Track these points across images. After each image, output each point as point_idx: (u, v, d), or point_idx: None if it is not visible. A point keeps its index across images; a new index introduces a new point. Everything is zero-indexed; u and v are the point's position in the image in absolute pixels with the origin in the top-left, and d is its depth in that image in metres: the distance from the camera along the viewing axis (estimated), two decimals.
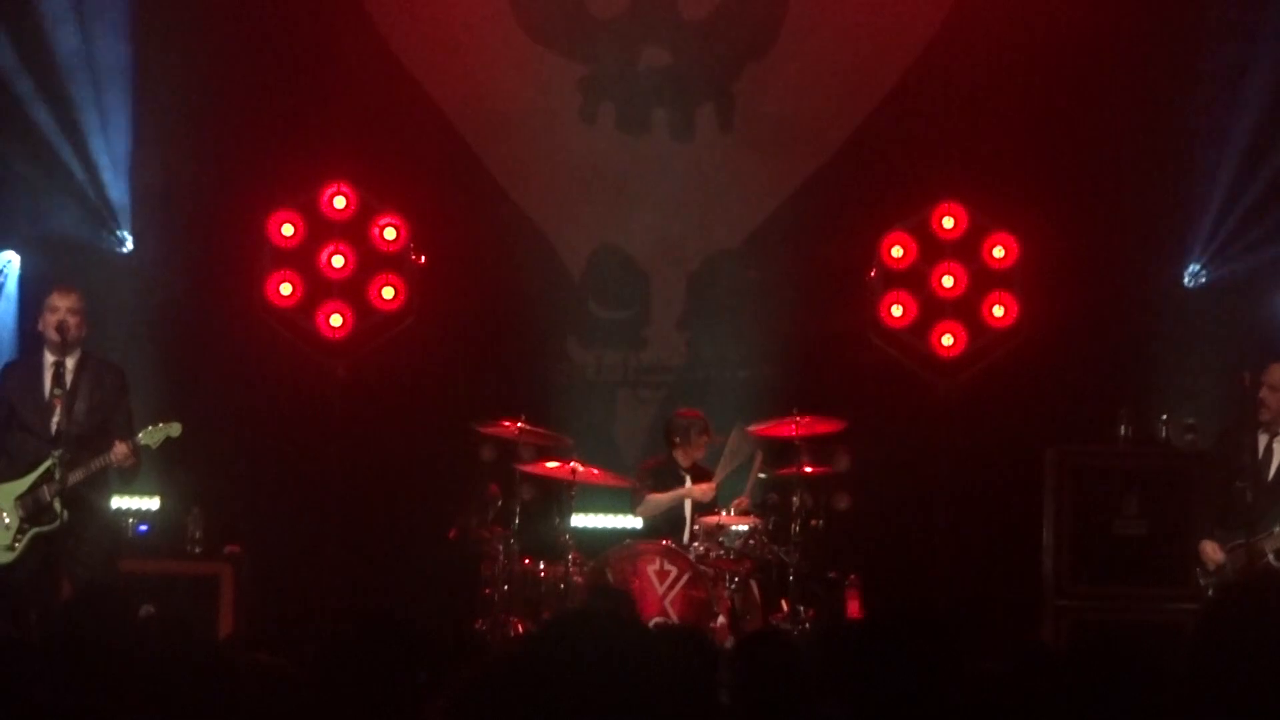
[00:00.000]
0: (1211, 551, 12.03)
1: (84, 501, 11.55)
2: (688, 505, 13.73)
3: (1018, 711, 5.08)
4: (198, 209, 14.81)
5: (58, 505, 11.42)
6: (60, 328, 11.59)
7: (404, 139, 15.08)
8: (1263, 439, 12.11)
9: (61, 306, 11.68)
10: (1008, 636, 12.95)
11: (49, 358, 11.69)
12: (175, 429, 11.54)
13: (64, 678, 5.63)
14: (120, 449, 11.41)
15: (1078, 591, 13.52)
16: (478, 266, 15.21)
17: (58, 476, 11.39)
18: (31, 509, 11.45)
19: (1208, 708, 4.21)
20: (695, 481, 13.80)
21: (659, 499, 13.73)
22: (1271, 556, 11.71)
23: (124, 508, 13.80)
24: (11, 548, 11.50)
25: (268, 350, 14.89)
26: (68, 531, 11.52)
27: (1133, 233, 14.63)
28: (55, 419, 11.51)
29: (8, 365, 12.29)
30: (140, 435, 11.47)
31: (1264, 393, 12.12)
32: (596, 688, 4.28)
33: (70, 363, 11.65)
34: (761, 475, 13.64)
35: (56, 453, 11.40)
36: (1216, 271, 14.55)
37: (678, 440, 13.92)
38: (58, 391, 11.51)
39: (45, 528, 11.46)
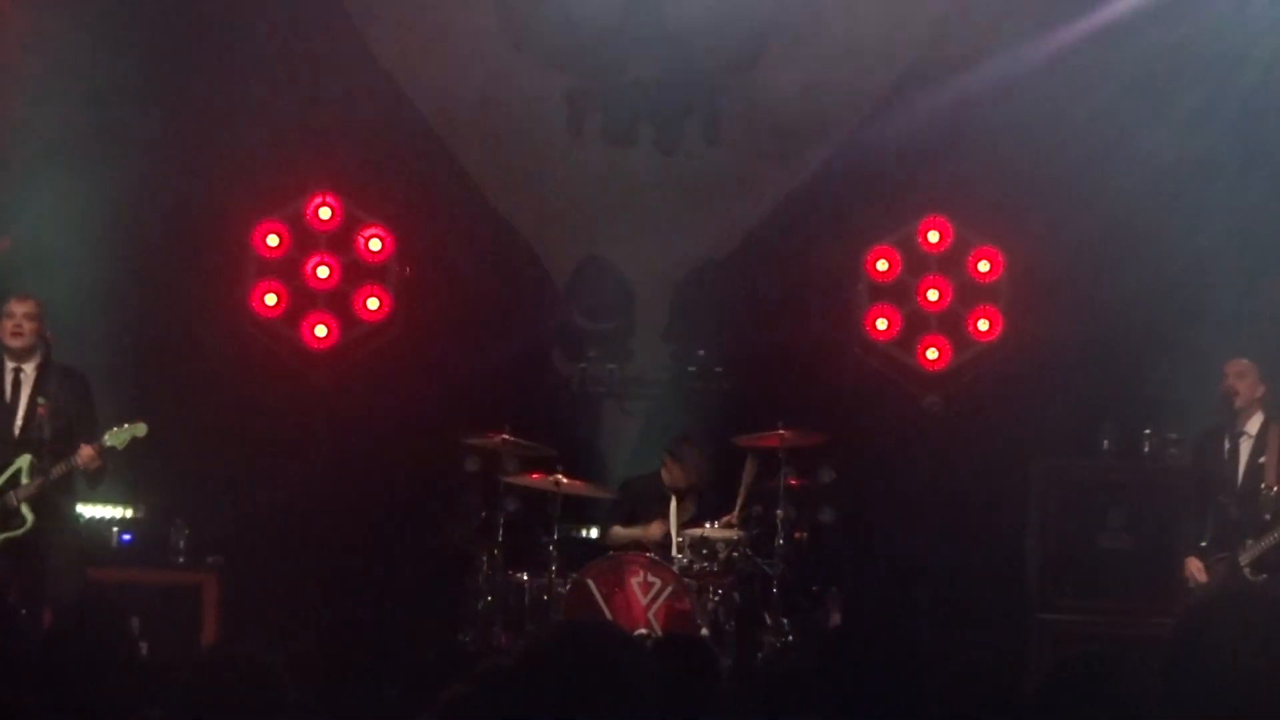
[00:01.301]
0: (1195, 571, 12.02)
1: (51, 506, 11.58)
2: (672, 517, 13.76)
3: None
4: (183, 219, 14.79)
5: (25, 510, 11.46)
6: (15, 333, 11.70)
7: (390, 150, 15.08)
8: (1227, 444, 12.10)
9: (17, 312, 11.81)
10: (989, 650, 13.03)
11: (8, 364, 11.78)
12: (140, 429, 11.57)
13: (54, 686, 5.63)
14: (85, 451, 11.45)
15: (1062, 605, 13.56)
16: (463, 277, 15.21)
17: (24, 481, 11.43)
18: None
19: None
20: (680, 501, 13.82)
21: (622, 533, 13.84)
22: (1248, 570, 11.70)
23: (105, 516, 13.79)
24: None
25: (252, 360, 14.88)
26: (37, 537, 11.54)
27: (1117, 247, 14.63)
28: (17, 424, 11.58)
29: None
30: (106, 437, 11.50)
31: (1231, 382, 12.11)
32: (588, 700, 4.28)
33: (29, 368, 11.77)
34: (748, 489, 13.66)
35: (22, 458, 11.45)
36: (1199, 283, 14.53)
37: (668, 460, 13.95)
38: (21, 396, 11.60)
39: (12, 533, 11.51)
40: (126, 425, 11.55)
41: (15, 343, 11.76)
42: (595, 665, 4.37)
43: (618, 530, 13.89)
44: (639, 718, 4.36)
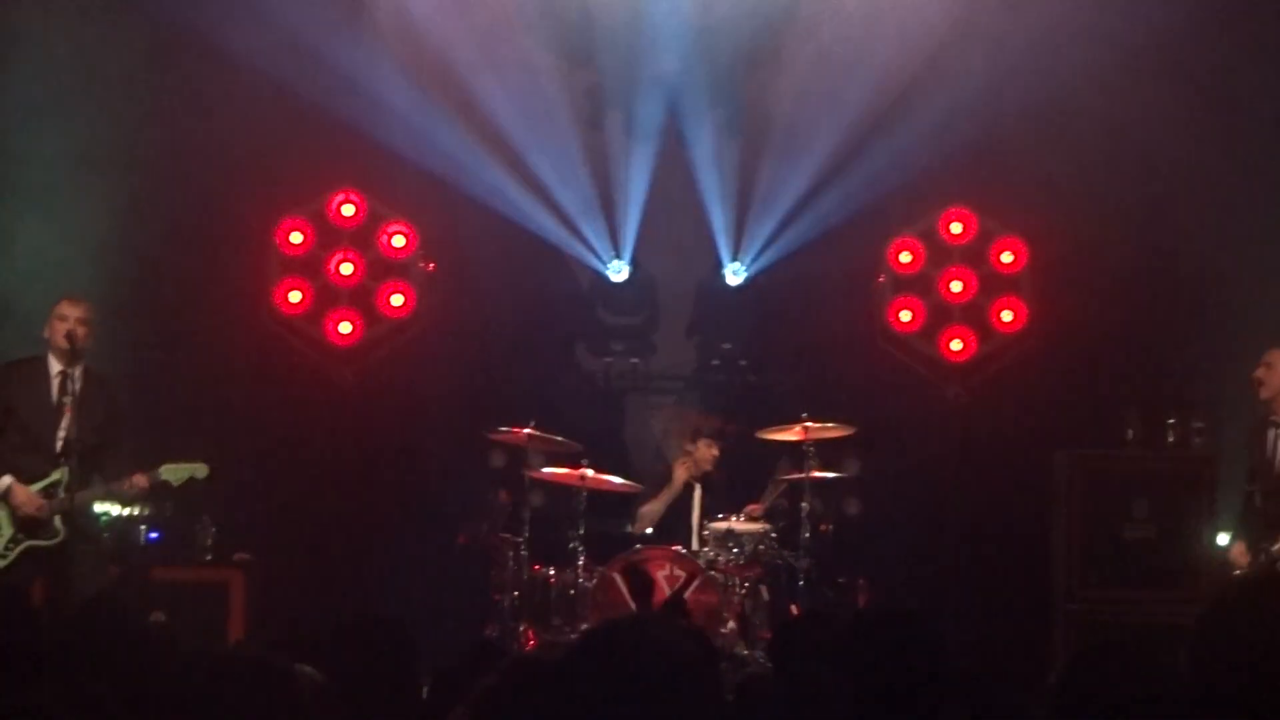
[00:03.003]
0: (1238, 556, 11.99)
1: (79, 518, 11.49)
2: (695, 511, 13.78)
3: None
4: (206, 216, 14.82)
5: (57, 522, 11.37)
6: (69, 336, 11.58)
7: (412, 146, 15.08)
8: (1270, 434, 12.07)
9: (71, 315, 11.66)
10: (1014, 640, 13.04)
11: (54, 366, 11.65)
12: (201, 470, 11.49)
13: (72, 684, 5.64)
14: (140, 480, 11.38)
15: (1087, 595, 13.55)
16: (486, 273, 15.22)
17: (62, 494, 11.33)
18: (29, 521, 11.41)
19: (1208, 711, 4.22)
20: (703, 491, 13.84)
21: (649, 508, 13.81)
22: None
23: (132, 514, 13.77)
24: (2, 555, 11.46)
25: (277, 357, 14.91)
26: (65, 547, 11.46)
27: (1140, 235, 14.62)
28: (62, 430, 11.45)
29: (7, 366, 12.13)
30: (162, 470, 11.41)
31: (1260, 372, 12.09)
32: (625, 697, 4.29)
33: (77, 373, 11.60)
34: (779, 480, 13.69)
35: (64, 467, 11.33)
36: (1222, 273, 14.51)
37: (688, 448, 13.97)
38: (66, 400, 11.46)
39: (41, 542, 11.40)
40: (187, 464, 11.47)
41: (68, 346, 11.59)
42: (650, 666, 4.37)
43: (643, 510, 13.83)
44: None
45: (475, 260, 15.23)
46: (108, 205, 14.44)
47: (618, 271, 15.31)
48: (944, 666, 5.22)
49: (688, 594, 12.86)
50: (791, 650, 6.75)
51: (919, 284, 14.97)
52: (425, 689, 6.58)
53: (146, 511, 13.71)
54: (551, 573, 13.34)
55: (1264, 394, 12.08)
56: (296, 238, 14.91)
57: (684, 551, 13.27)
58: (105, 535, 12.35)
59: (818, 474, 13.48)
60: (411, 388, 14.99)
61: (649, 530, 13.87)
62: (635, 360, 15.48)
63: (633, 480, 13.97)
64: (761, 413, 14.17)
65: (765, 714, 5.99)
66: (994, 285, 14.88)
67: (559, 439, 13.70)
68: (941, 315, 14.91)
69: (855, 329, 15.04)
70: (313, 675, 5.47)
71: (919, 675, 5.10)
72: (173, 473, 11.42)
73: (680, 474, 13.85)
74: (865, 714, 5.21)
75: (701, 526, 13.65)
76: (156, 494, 11.89)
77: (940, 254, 14.95)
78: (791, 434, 13.53)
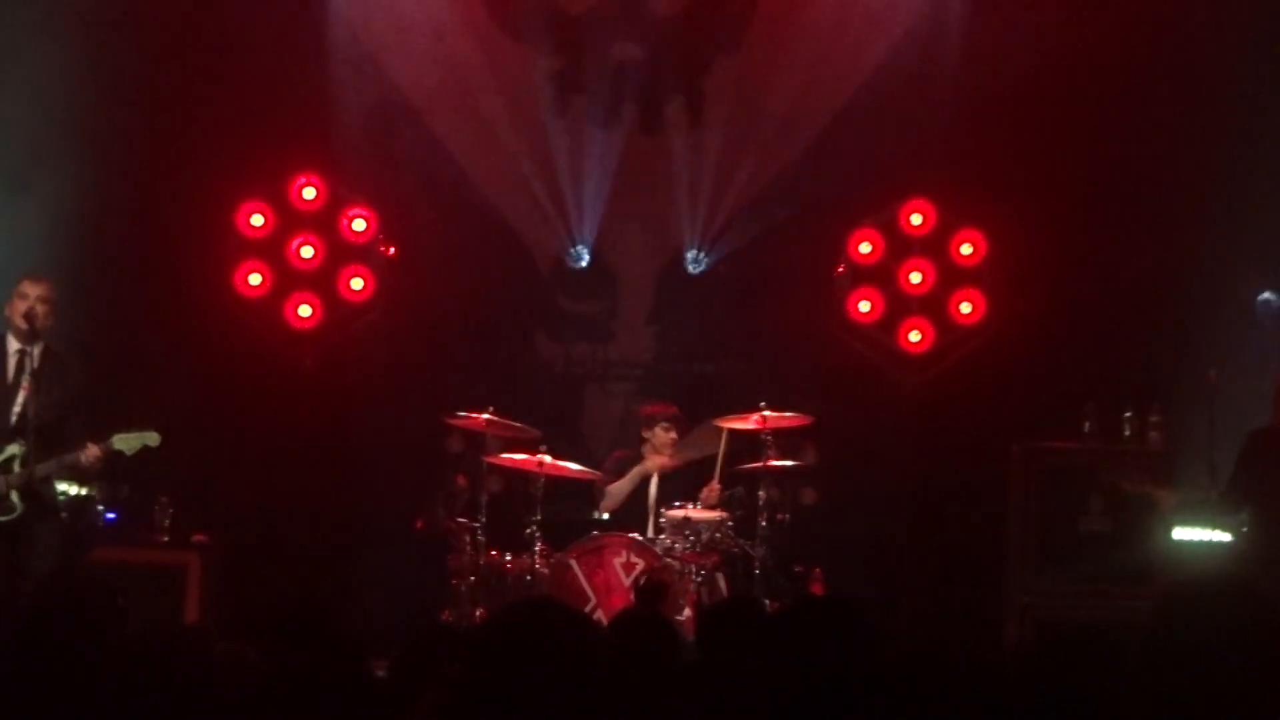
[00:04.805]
0: None
1: (38, 494, 11.47)
2: (652, 496, 13.81)
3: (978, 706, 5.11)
4: (167, 198, 14.78)
5: (15, 497, 11.34)
6: (29, 315, 11.55)
7: (374, 130, 15.08)
8: None
9: (31, 294, 11.63)
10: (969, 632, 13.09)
11: (13, 345, 11.62)
12: (153, 439, 11.43)
13: (32, 665, 5.64)
14: (92, 451, 11.33)
15: (1041, 588, 13.57)
16: (446, 258, 15.21)
17: (18, 468, 11.32)
18: None
19: (1157, 705, 4.25)
20: (661, 478, 13.86)
21: (618, 486, 13.84)
22: None
23: (88, 494, 13.71)
24: None
25: (236, 340, 14.87)
26: (22, 523, 11.43)
27: (1099, 230, 14.67)
28: (17, 408, 11.45)
29: None
30: (115, 439, 11.37)
31: None
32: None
33: (36, 352, 11.59)
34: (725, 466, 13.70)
35: (18, 443, 11.34)
36: (1180, 269, 14.55)
37: (645, 435, 14.01)
38: (24, 380, 11.46)
39: (1, 518, 11.39)
40: (139, 432, 11.44)
41: (27, 325, 11.57)
42: (544, 644, 4.41)
43: (612, 487, 13.87)
44: (590, 695, 4.40)
45: (436, 245, 15.21)
46: (71, 185, 14.41)
47: (578, 259, 15.35)
48: (875, 656, 5.23)
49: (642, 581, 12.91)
50: (716, 637, 6.76)
51: (878, 275, 15.00)
52: (380, 673, 6.58)
53: (99, 491, 13.70)
54: (508, 558, 13.35)
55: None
56: (257, 220, 14.89)
57: (641, 539, 13.30)
58: (64, 514, 12.28)
59: (775, 463, 13.50)
60: (370, 372, 14.99)
61: (606, 516, 13.91)
62: (594, 347, 15.49)
63: (590, 467, 14.00)
64: (720, 402, 14.17)
65: (690, 700, 6.02)
66: (953, 277, 14.91)
67: (517, 425, 13.72)
68: (900, 306, 14.95)
69: (814, 319, 15.06)
70: (256, 659, 5.48)
71: (847, 664, 5.12)
72: (125, 442, 11.38)
73: (654, 462, 13.86)
74: (792, 702, 5.23)
75: (658, 514, 13.66)
76: (112, 466, 11.81)
77: (900, 245, 14.98)
78: (749, 423, 13.55)
